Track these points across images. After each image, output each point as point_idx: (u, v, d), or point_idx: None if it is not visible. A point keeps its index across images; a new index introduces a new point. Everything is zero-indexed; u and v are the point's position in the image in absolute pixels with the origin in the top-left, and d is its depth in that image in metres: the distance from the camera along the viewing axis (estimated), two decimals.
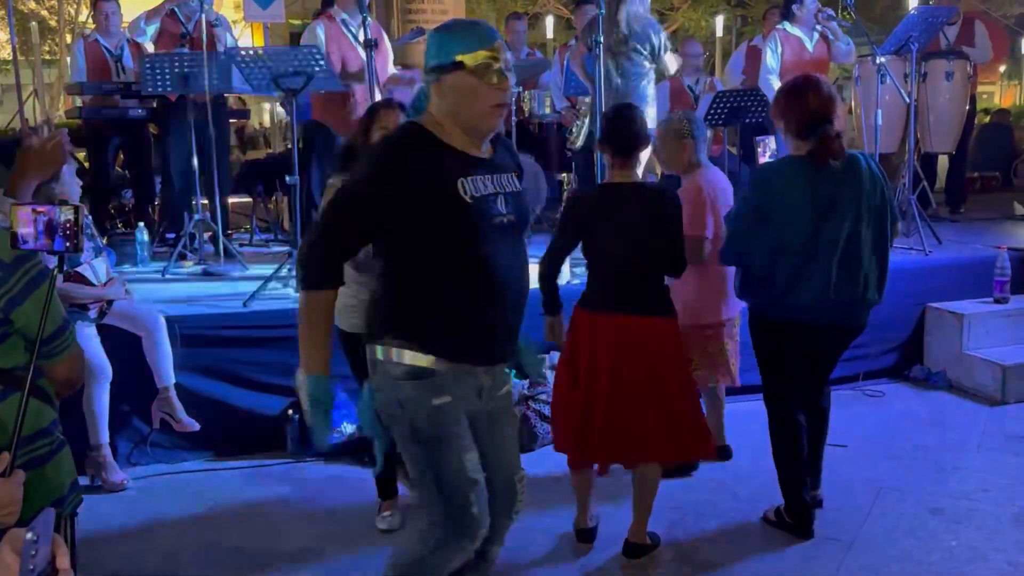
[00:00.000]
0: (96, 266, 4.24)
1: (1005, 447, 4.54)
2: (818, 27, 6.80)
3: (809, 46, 6.79)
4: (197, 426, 4.36)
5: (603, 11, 5.57)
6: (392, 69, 6.36)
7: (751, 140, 7.05)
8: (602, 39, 5.60)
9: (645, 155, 4.16)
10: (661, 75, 6.27)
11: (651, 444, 3.40)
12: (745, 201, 3.51)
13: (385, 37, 6.35)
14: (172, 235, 6.78)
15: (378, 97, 5.40)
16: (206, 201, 6.46)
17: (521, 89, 7.14)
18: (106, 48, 6.99)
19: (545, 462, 4.14)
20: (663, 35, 5.92)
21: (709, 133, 7.40)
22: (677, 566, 3.48)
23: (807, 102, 3.37)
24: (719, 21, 15.98)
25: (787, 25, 6.82)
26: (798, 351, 3.57)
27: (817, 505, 3.79)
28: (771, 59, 6.73)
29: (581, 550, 3.59)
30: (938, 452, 4.48)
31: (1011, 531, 3.64)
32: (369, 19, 5.45)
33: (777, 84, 6.65)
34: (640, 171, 3.81)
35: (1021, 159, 11.29)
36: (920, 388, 5.50)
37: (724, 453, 4.36)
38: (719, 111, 7.04)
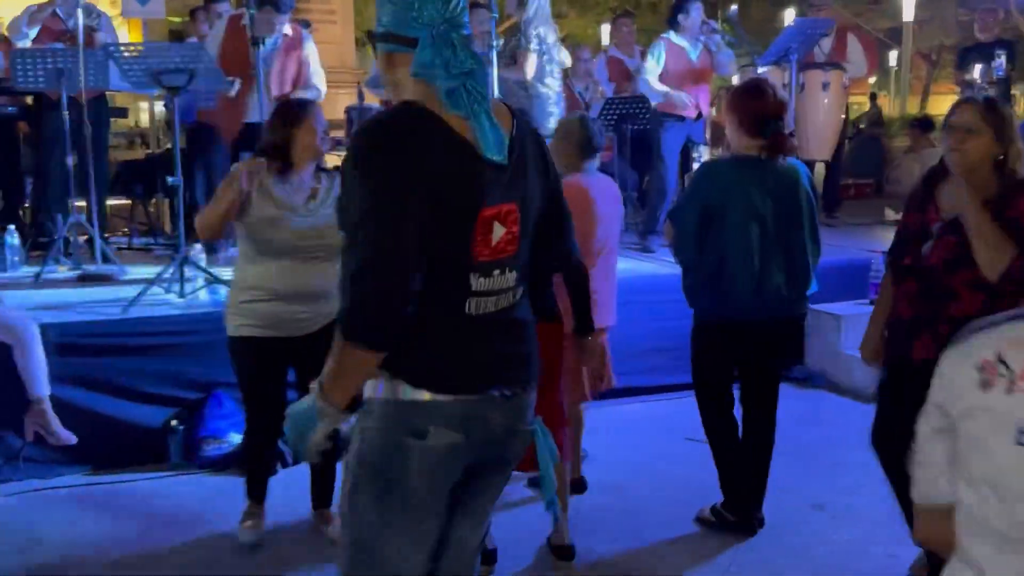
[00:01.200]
0: None
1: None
2: (702, 38, 6.97)
3: (693, 56, 6.94)
4: (74, 439, 4.15)
5: (496, 14, 5.59)
6: (318, 77, 6.22)
7: (639, 146, 7.18)
8: (496, 43, 5.63)
9: None
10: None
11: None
12: (691, 199, 3.58)
13: (306, 43, 6.24)
14: (46, 238, 6.47)
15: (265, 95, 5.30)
16: (83, 203, 6.19)
17: None
18: None
19: None
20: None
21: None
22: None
23: (765, 101, 3.51)
24: (605, 30, 16.26)
25: (672, 35, 6.96)
26: (739, 349, 3.67)
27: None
28: (652, 65, 6.85)
29: (485, 572, 3.42)
30: (819, 450, 4.63)
31: (889, 525, 3.78)
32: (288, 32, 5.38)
33: (659, 88, 6.79)
34: None
35: (892, 167, 11.83)
36: (801, 388, 5.67)
37: (580, 486, 4.10)
38: (608, 118, 7.15)
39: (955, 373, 1.53)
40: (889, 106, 25.69)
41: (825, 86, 7.54)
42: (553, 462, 2.09)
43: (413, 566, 1.97)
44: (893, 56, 22.02)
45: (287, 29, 6.01)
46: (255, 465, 3.71)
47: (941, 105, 25.03)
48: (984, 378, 1.46)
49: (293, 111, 3.46)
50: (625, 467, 4.40)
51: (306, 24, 6.77)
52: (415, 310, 1.81)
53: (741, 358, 3.72)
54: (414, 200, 1.76)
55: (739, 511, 3.73)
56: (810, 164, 8.05)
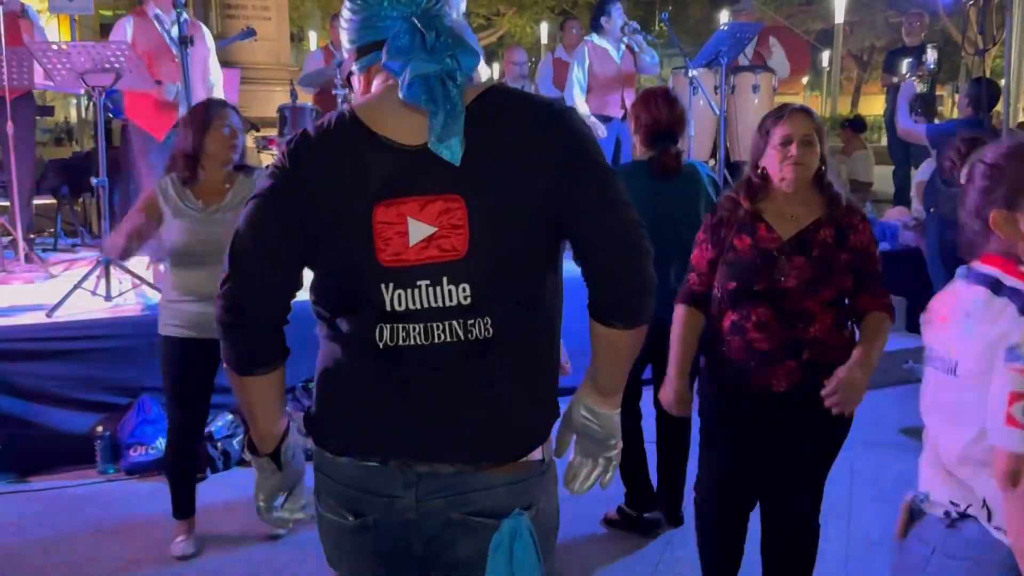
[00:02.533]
0: None
1: None
2: (624, 39, 7.04)
3: (616, 58, 7.01)
4: None
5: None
6: (215, 68, 6.10)
7: None
8: None
9: None
10: None
11: None
12: None
13: (206, 35, 6.08)
14: None
15: (196, 97, 5.22)
16: (6, 203, 6.04)
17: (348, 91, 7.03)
18: None
19: None
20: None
21: None
22: None
23: (660, 113, 3.59)
24: (544, 28, 16.28)
25: (595, 37, 7.02)
26: (647, 349, 3.68)
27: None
28: (578, 72, 6.92)
29: None
30: None
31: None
32: (185, 15, 5.24)
33: (582, 96, 6.86)
34: None
35: (823, 165, 12.05)
36: None
37: None
38: None
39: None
40: (821, 106, 26.24)
41: (755, 88, 7.67)
42: None
43: None
44: (826, 57, 22.46)
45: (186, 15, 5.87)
46: (178, 479, 3.61)
47: (872, 106, 25.65)
48: None
49: (199, 117, 3.44)
50: None
51: (251, 33, 6.66)
52: (320, 347, 1.64)
53: (653, 357, 3.70)
54: (285, 207, 1.55)
55: (642, 507, 3.79)
56: (740, 165, 8.20)
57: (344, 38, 1.63)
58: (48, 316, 4.55)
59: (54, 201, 7.75)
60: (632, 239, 1.55)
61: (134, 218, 3.46)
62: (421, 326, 1.53)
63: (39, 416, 4.34)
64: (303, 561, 3.48)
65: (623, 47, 7.03)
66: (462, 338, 1.53)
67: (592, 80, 6.86)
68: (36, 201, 7.37)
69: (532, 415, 1.62)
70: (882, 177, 10.83)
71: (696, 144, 6.97)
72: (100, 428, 4.37)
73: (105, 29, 14.81)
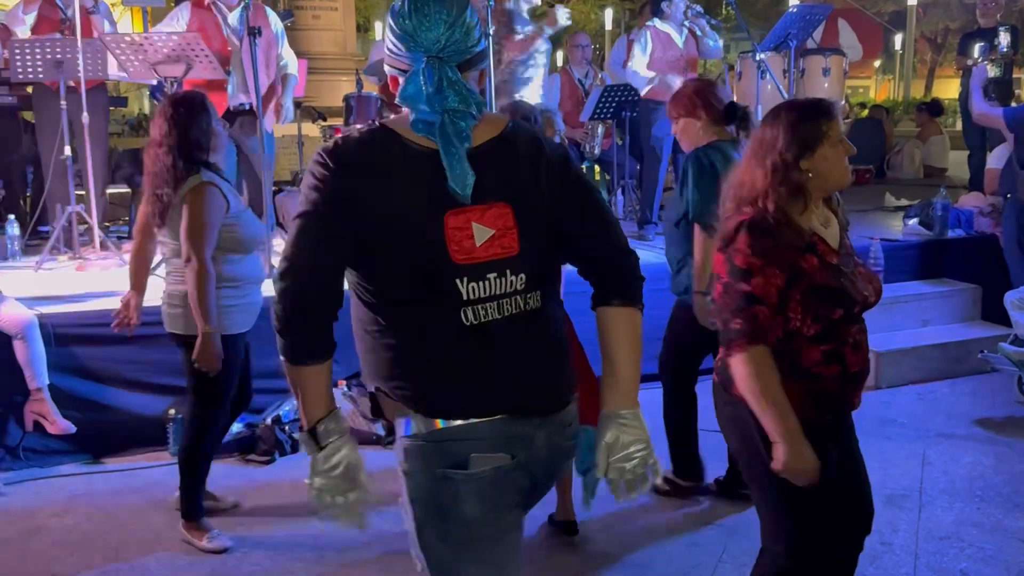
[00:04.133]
0: None
1: (878, 431, 4.73)
2: (687, 23, 6.95)
3: (679, 42, 6.92)
4: (73, 428, 4.20)
5: (492, 3, 5.59)
6: (286, 52, 6.13)
7: (639, 134, 7.17)
8: (492, 29, 5.64)
9: None
10: (553, 66, 6.36)
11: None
12: (708, 177, 3.55)
13: (271, 20, 6.09)
14: (46, 228, 6.49)
15: (261, 83, 5.29)
16: (82, 192, 6.21)
17: None
18: None
19: None
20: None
21: (600, 128, 7.51)
22: (576, 554, 3.53)
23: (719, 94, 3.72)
24: (608, 14, 16.17)
25: (657, 21, 6.94)
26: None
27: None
28: (639, 56, 6.84)
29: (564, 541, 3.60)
30: None
31: (884, 512, 3.80)
32: (247, 3, 5.32)
33: (645, 80, 6.78)
34: None
35: (894, 152, 11.79)
36: None
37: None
38: (607, 105, 7.14)
39: None
40: (893, 90, 25.58)
41: (826, 71, 7.52)
42: (592, 468, 1.96)
43: None
44: (898, 40, 21.89)
45: None
46: (196, 478, 3.61)
47: (947, 89, 24.93)
48: None
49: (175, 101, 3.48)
50: None
51: (288, 15, 6.72)
52: (392, 333, 1.83)
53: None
54: (339, 222, 1.76)
55: (690, 476, 3.94)
56: None
57: (385, 57, 1.89)
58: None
59: (128, 190, 7.94)
60: (611, 232, 1.96)
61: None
62: (494, 304, 1.83)
63: (113, 399, 4.47)
64: (368, 545, 3.53)
65: (686, 31, 6.94)
66: (523, 308, 1.87)
67: (654, 65, 6.79)
68: (111, 190, 7.56)
69: (570, 358, 2.01)
70: (958, 163, 10.56)
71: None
72: (172, 411, 4.48)
73: None
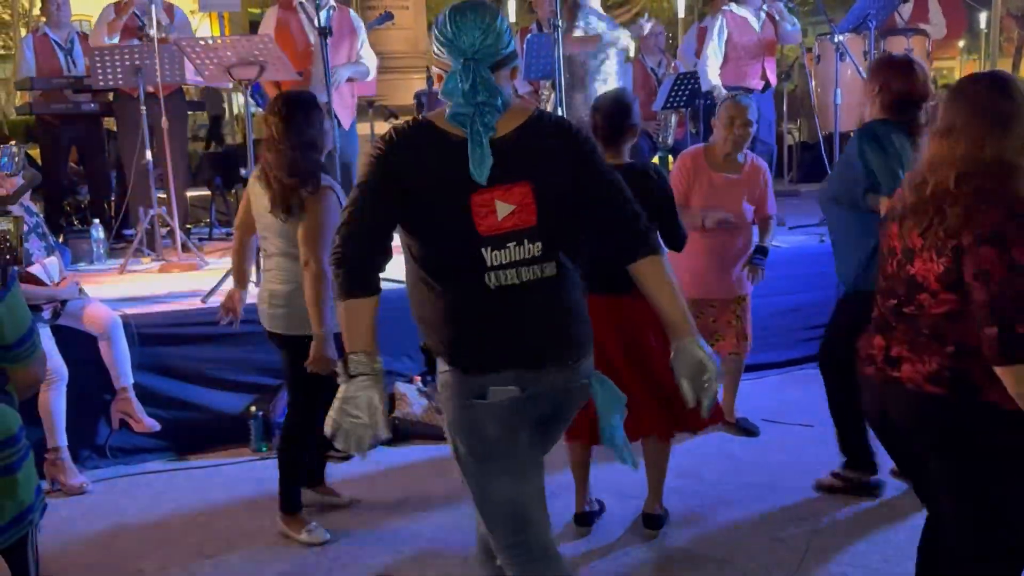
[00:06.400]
0: (49, 266, 4.15)
1: None
2: (765, 7, 6.80)
3: (756, 26, 6.78)
4: (157, 426, 4.29)
5: None
6: (366, 54, 6.14)
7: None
8: (561, 22, 5.59)
9: None
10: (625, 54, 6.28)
11: (644, 418, 3.40)
12: (892, 158, 3.47)
13: (353, 20, 6.09)
14: (129, 231, 6.66)
15: (333, 88, 5.32)
16: (163, 195, 6.35)
17: None
18: (55, 41, 6.83)
19: None
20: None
21: (673, 117, 7.40)
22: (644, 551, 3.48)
23: (914, 82, 3.50)
24: (681, 2, 15.95)
25: (733, 6, 6.80)
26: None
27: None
28: (714, 43, 6.71)
29: (581, 533, 3.61)
30: None
31: None
32: (332, 2, 5.36)
33: (716, 70, 6.65)
34: None
35: None
36: None
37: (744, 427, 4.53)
38: (680, 94, 7.03)
39: None
40: (979, 70, 24.71)
41: (908, 53, 7.28)
42: (619, 413, 2.30)
43: (525, 498, 2.28)
44: (983, 18, 21.15)
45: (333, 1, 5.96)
46: (293, 474, 3.67)
47: None
48: None
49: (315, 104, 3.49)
50: (700, 450, 4.34)
51: (388, 17, 6.72)
52: (432, 296, 2.19)
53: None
54: (386, 191, 2.15)
55: (862, 468, 3.82)
56: None
57: (432, 58, 2.19)
58: (203, 302, 4.75)
59: (208, 192, 8.11)
60: (628, 201, 2.28)
61: None
62: (514, 270, 2.16)
63: (196, 397, 4.55)
64: (445, 540, 3.53)
65: (763, 15, 6.79)
66: (540, 276, 2.19)
67: (731, 50, 6.66)
68: (191, 193, 7.73)
69: (585, 321, 2.32)
70: None
71: (844, 113, 6.65)
72: (253, 408, 4.55)
73: (255, 26, 15.42)
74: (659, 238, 2.33)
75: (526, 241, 2.15)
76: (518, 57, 2.25)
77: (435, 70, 2.20)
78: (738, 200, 4.28)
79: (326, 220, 3.33)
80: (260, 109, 6.85)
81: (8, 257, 1.81)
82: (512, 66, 2.19)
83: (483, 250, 2.13)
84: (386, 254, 2.19)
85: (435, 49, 2.15)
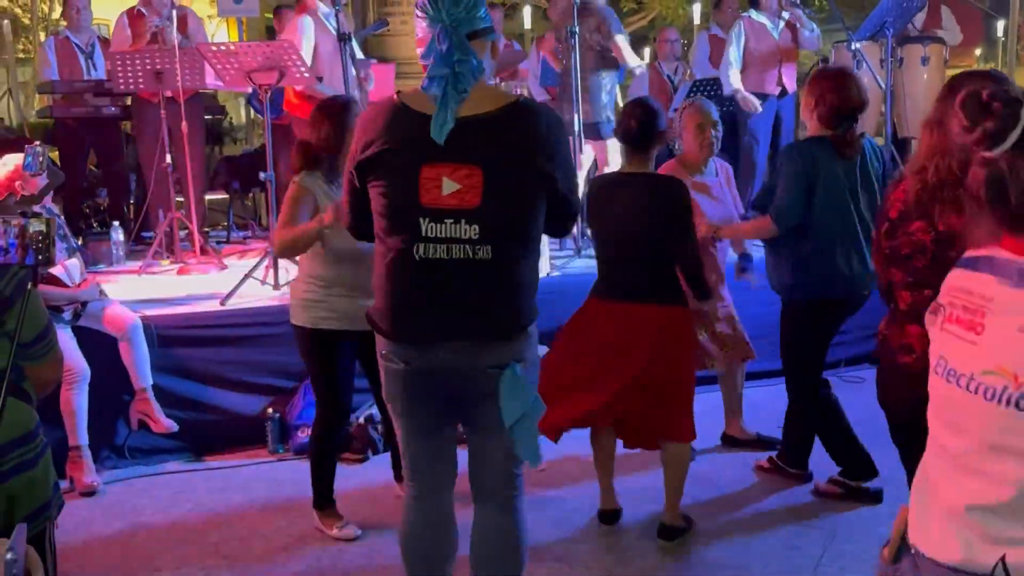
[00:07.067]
0: (70, 267, 4.19)
1: None
2: (784, 14, 6.80)
3: (775, 33, 6.79)
4: (175, 427, 4.32)
5: (578, 2, 5.57)
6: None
7: (728, 128, 7.04)
8: (577, 29, 5.61)
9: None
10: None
11: (662, 426, 3.46)
12: (793, 176, 3.62)
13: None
14: (148, 234, 6.71)
15: (354, 92, 5.35)
16: (182, 199, 6.40)
17: (498, 80, 7.11)
18: (76, 45, 6.90)
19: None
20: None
21: None
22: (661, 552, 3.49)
23: (846, 93, 3.58)
24: (696, 9, 15.92)
25: (752, 12, 6.81)
26: (829, 326, 3.80)
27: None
28: (733, 49, 6.72)
29: (605, 531, 3.64)
30: None
31: None
32: (340, 12, 5.38)
33: (737, 74, 6.66)
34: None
35: None
36: None
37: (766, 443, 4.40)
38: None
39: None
40: None
41: (924, 60, 7.28)
42: (526, 412, 2.36)
43: (417, 449, 2.58)
44: (1000, 26, 21.08)
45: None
46: (322, 470, 3.70)
47: None
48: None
49: (339, 114, 3.48)
50: (714, 456, 4.35)
51: (383, 24, 6.78)
52: (377, 258, 2.41)
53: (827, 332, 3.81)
54: (360, 164, 2.36)
55: (860, 475, 3.81)
56: (908, 140, 7.82)
57: (417, 33, 2.40)
58: (221, 304, 4.79)
59: (226, 196, 8.16)
60: (573, 194, 2.48)
61: (302, 230, 3.41)
62: (444, 246, 2.27)
63: (214, 399, 4.59)
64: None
65: (782, 22, 6.80)
66: (471, 257, 2.28)
67: (748, 56, 6.67)
68: (210, 196, 7.78)
69: (512, 311, 2.38)
70: None
71: (860, 120, 6.64)
72: (270, 410, 4.58)
73: (272, 32, 15.48)
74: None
75: (463, 221, 2.26)
76: (495, 33, 2.41)
77: (421, 34, 2.42)
78: (727, 203, 4.25)
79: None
80: (258, 115, 6.88)
81: (40, 258, 1.84)
82: (489, 39, 2.37)
83: (420, 219, 2.26)
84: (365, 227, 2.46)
85: (421, 22, 2.39)
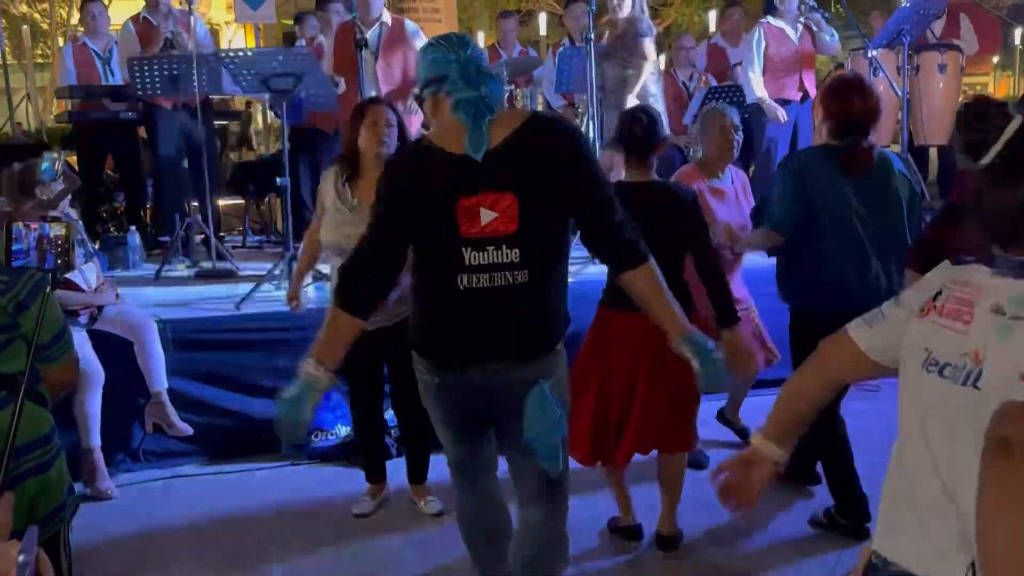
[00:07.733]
0: (86, 271, 4.21)
1: None
2: (802, 19, 6.79)
3: (793, 38, 6.78)
4: (190, 431, 4.33)
5: (594, 8, 5.57)
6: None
7: (746, 138, 7.02)
8: (593, 35, 5.62)
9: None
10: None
11: (665, 436, 3.43)
12: (783, 182, 3.59)
13: (409, 33, 6.14)
14: (164, 238, 6.75)
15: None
16: (198, 203, 6.43)
17: (513, 88, 7.12)
18: (94, 51, 6.95)
19: None
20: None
21: None
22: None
23: (850, 104, 3.47)
24: (712, 16, 15.91)
25: (771, 18, 6.80)
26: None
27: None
28: (754, 53, 6.70)
29: (625, 547, 3.60)
30: None
31: None
32: (386, 21, 5.44)
33: (760, 81, 6.65)
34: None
35: None
36: None
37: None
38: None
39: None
40: (1012, 87, 24.45)
41: (941, 68, 7.24)
42: (554, 431, 2.40)
43: (457, 453, 2.71)
44: (1017, 34, 20.99)
45: (386, 18, 6.04)
46: (369, 446, 3.96)
47: None
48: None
49: (357, 111, 3.54)
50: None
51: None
52: (417, 289, 2.49)
53: None
54: (393, 210, 2.38)
55: (852, 516, 3.61)
56: (925, 149, 7.78)
57: (419, 72, 2.45)
58: (236, 308, 4.81)
59: (242, 201, 8.19)
60: (615, 209, 2.41)
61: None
62: (487, 275, 2.34)
63: (229, 403, 4.60)
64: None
65: (800, 27, 6.79)
66: (511, 283, 2.35)
67: (768, 62, 6.65)
68: (225, 201, 7.81)
69: (546, 332, 2.49)
70: None
71: (875, 131, 6.62)
72: None
73: (288, 38, 15.55)
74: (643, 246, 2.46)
75: (504, 247, 2.32)
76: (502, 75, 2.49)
77: (424, 95, 2.43)
78: (743, 211, 4.22)
79: None
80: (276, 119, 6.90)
81: (59, 262, 1.85)
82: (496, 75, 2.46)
83: (463, 249, 2.31)
84: (386, 279, 2.43)
85: (419, 64, 2.43)
